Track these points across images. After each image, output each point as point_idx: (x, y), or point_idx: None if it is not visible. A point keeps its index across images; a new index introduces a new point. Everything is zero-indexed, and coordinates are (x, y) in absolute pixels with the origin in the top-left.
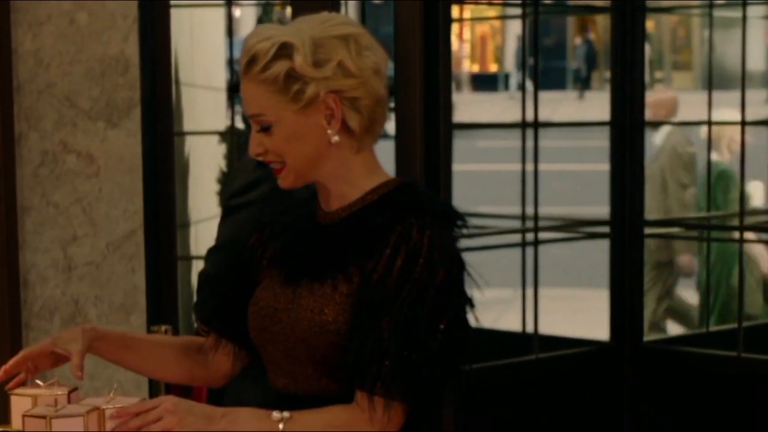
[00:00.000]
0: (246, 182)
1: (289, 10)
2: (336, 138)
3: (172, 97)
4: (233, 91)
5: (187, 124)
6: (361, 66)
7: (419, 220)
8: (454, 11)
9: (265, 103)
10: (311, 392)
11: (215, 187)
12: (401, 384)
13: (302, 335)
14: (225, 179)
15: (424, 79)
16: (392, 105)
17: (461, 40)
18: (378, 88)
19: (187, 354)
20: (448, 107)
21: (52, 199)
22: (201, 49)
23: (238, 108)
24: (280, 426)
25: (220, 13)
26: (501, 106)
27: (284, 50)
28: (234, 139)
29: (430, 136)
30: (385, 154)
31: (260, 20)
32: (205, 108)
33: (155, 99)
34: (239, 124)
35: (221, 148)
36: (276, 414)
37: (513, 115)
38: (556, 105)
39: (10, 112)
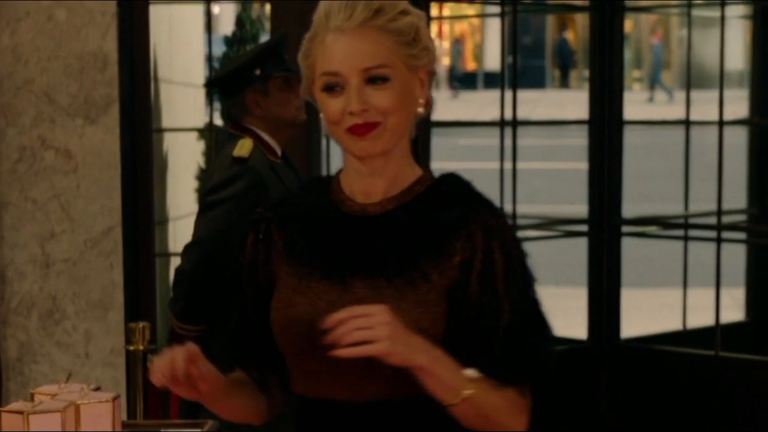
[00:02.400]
0: (222, 179)
1: (268, 7)
2: (421, 110)
3: (151, 93)
4: (211, 87)
5: (166, 121)
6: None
7: (494, 215)
8: (433, 9)
9: (387, 53)
10: (378, 398)
11: (194, 184)
12: (541, 368)
13: None
14: (203, 176)
15: None
16: None
17: (440, 38)
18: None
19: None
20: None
21: (30, 195)
22: (180, 46)
23: (216, 105)
24: (467, 392)
25: (199, 10)
26: (479, 105)
27: (408, 10)
28: (212, 136)
29: None
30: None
31: (239, 17)
32: (183, 105)
33: (134, 96)
34: (218, 121)
35: (200, 145)
36: (469, 372)
37: (493, 113)
38: (535, 104)
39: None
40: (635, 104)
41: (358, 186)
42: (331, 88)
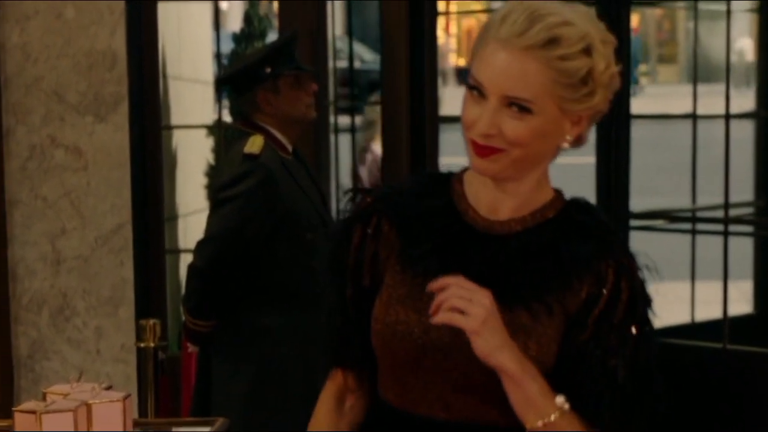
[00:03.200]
0: (233, 175)
1: (275, 4)
2: (566, 145)
3: (160, 91)
4: (222, 84)
5: (175, 118)
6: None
7: (626, 253)
8: (441, 5)
9: (542, 90)
10: (469, 420)
11: (203, 181)
12: (637, 422)
13: (485, 367)
14: (213, 172)
15: (410, 73)
16: (379, 98)
17: (448, 34)
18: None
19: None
20: (435, 100)
21: (41, 192)
22: (188, 43)
23: (225, 102)
24: (552, 417)
25: (207, 7)
26: None
27: (590, 48)
28: (222, 133)
29: (416, 129)
30: None
31: (247, 14)
32: (192, 102)
33: (143, 93)
34: (227, 118)
35: (209, 142)
36: (560, 399)
37: None
38: None
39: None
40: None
41: (485, 198)
42: (475, 89)
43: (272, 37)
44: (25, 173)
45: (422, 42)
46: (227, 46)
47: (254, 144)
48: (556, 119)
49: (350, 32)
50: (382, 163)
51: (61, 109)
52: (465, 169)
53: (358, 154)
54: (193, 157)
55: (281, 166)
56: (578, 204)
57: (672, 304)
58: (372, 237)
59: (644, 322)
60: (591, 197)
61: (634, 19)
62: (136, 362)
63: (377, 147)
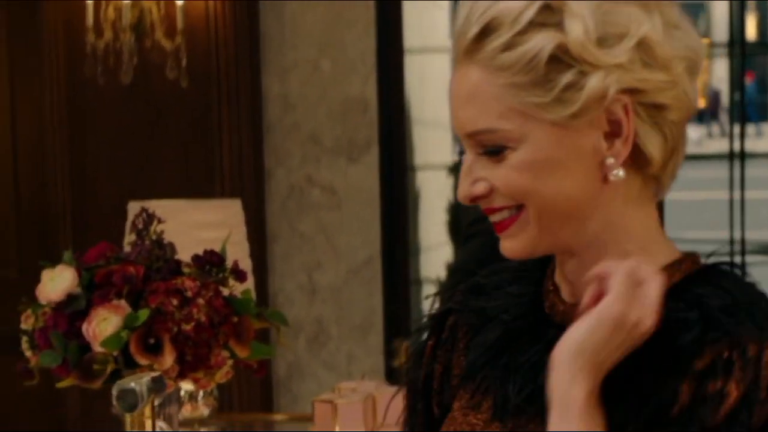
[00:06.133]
0: (480, 212)
1: None
2: (619, 173)
3: (406, 134)
4: None
5: (418, 159)
6: (672, 53)
7: (753, 337)
8: None
9: (498, 108)
10: None
11: (444, 217)
12: None
13: None
14: (453, 210)
15: None
16: None
17: None
18: (692, 96)
19: None
20: None
21: (299, 228)
22: (430, 88)
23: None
24: None
25: (446, 58)
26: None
27: (550, 14)
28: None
29: None
30: None
31: None
32: (433, 143)
33: (391, 136)
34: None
35: (449, 181)
36: None
37: (715, 146)
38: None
39: (261, 149)
40: None
41: (563, 278)
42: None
43: None
44: (284, 210)
45: None
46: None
47: None
48: (561, 139)
49: None
50: None
51: (318, 152)
52: None
53: None
54: (434, 195)
55: None
56: (712, 271)
57: None
58: (444, 345)
59: None
60: None
61: None
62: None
63: None
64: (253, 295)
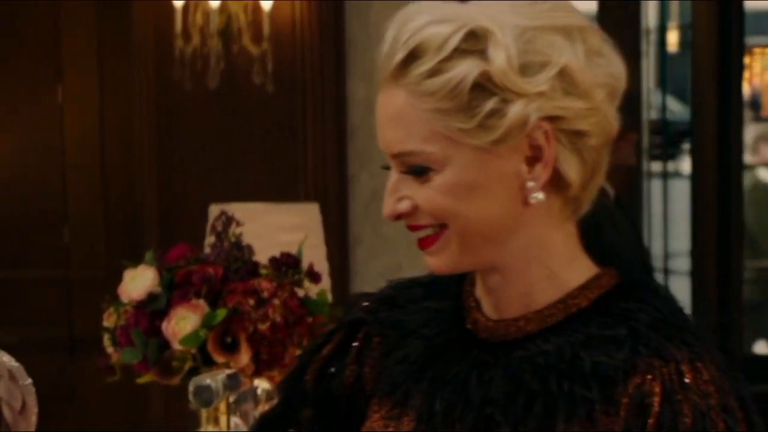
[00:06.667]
0: None
1: None
2: (539, 196)
3: None
4: None
5: None
6: (592, 81)
7: (687, 352)
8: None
9: (423, 131)
10: None
11: None
12: None
13: None
14: None
15: (717, 123)
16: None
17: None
18: (612, 121)
19: None
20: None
21: (381, 231)
22: None
23: None
24: None
25: None
26: None
27: (474, 42)
28: None
29: (723, 176)
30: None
31: None
32: None
33: None
34: None
35: None
36: None
37: None
38: None
39: (345, 153)
40: None
41: (485, 295)
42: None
43: None
44: (367, 214)
45: (730, 94)
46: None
47: None
48: (483, 164)
49: (663, 86)
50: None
51: None
52: None
53: None
54: None
55: (604, 211)
56: (631, 286)
57: None
58: (358, 359)
59: None
60: None
61: None
62: None
63: None
64: (330, 296)
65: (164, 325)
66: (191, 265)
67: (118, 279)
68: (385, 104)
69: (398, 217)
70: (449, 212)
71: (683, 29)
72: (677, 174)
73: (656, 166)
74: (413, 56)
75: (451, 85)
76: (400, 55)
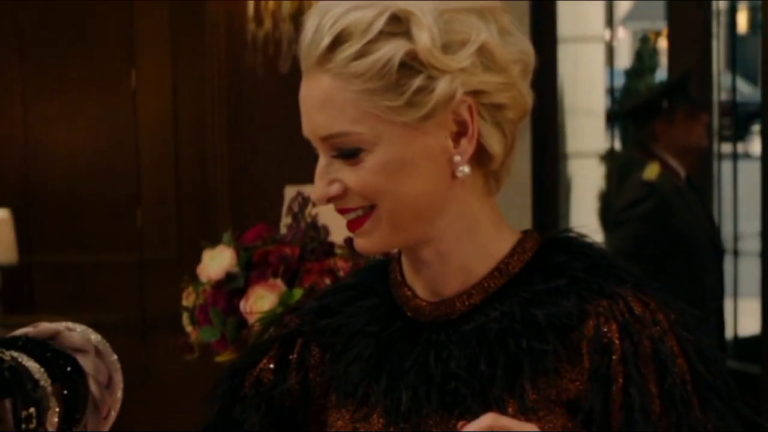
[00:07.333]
0: (632, 199)
1: (660, 42)
2: (465, 169)
3: (558, 122)
4: (624, 117)
5: (570, 146)
6: (508, 57)
7: (629, 287)
8: None
9: (352, 112)
10: None
11: (594, 205)
12: None
13: None
14: (604, 198)
15: None
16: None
17: None
18: (526, 96)
19: None
20: None
21: None
22: (582, 77)
23: (616, 132)
24: None
25: (600, 47)
26: None
27: (398, 24)
28: (614, 161)
29: None
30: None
31: (638, 52)
32: (585, 131)
33: (544, 124)
34: (618, 146)
35: (601, 169)
36: None
37: None
38: None
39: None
40: None
41: (419, 280)
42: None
43: (660, 72)
44: None
45: None
46: (618, 81)
47: (651, 171)
48: (411, 141)
49: (734, 68)
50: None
51: None
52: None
53: None
54: (586, 182)
55: (675, 191)
56: (556, 242)
57: None
58: (297, 367)
59: (705, 385)
60: None
61: None
62: None
63: None
64: None
65: (242, 304)
66: (268, 245)
67: (189, 261)
68: (310, 90)
69: (329, 200)
70: (380, 191)
71: (753, 10)
72: (747, 155)
73: (726, 148)
74: (339, 41)
75: (379, 65)
76: (326, 41)
